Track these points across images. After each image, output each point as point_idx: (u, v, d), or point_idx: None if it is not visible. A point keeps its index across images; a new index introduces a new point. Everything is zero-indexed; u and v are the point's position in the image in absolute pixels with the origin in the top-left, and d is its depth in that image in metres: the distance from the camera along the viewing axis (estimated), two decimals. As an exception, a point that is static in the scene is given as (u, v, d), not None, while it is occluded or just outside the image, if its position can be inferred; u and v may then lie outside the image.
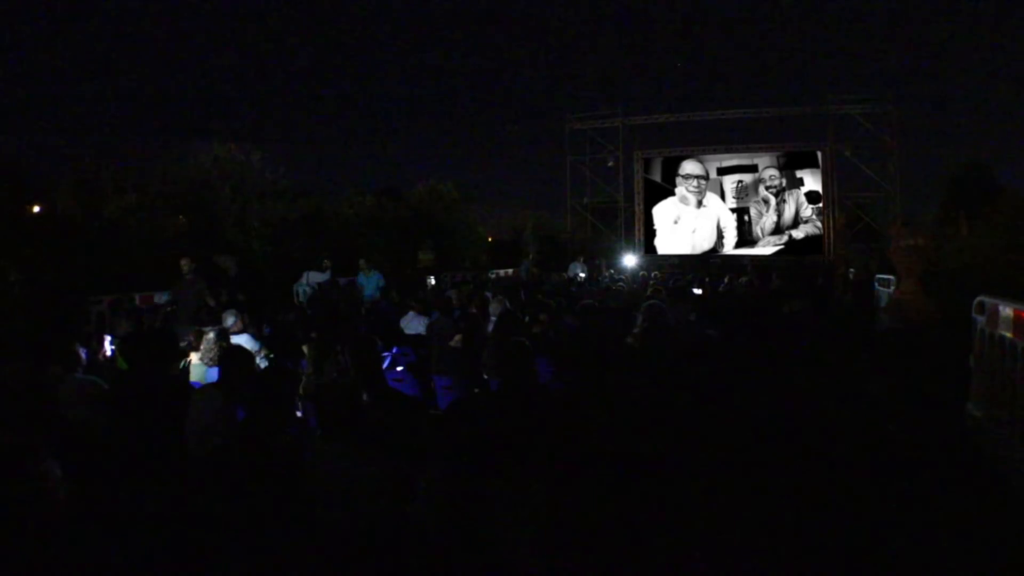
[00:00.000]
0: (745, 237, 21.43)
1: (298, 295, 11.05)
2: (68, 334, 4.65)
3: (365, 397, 3.02)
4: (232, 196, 18.77)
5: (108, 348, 5.20)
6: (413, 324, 6.99)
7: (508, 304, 6.35)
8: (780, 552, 2.84)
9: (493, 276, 19.02)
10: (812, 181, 20.78)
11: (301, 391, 3.91)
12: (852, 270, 14.15)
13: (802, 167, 20.91)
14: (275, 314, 7.33)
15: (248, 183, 19.32)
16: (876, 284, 11.69)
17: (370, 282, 10.74)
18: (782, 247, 21.06)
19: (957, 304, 6.22)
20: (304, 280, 11.43)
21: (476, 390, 4.78)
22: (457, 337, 5.50)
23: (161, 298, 10.48)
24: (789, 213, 21.05)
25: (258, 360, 4.97)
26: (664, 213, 22.27)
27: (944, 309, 8.76)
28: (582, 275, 15.36)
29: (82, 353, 3.61)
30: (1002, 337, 3.89)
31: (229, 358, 3.45)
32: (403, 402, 3.05)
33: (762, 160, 21.26)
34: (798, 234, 20.99)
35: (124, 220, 15.91)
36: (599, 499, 2.45)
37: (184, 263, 7.30)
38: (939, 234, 15.92)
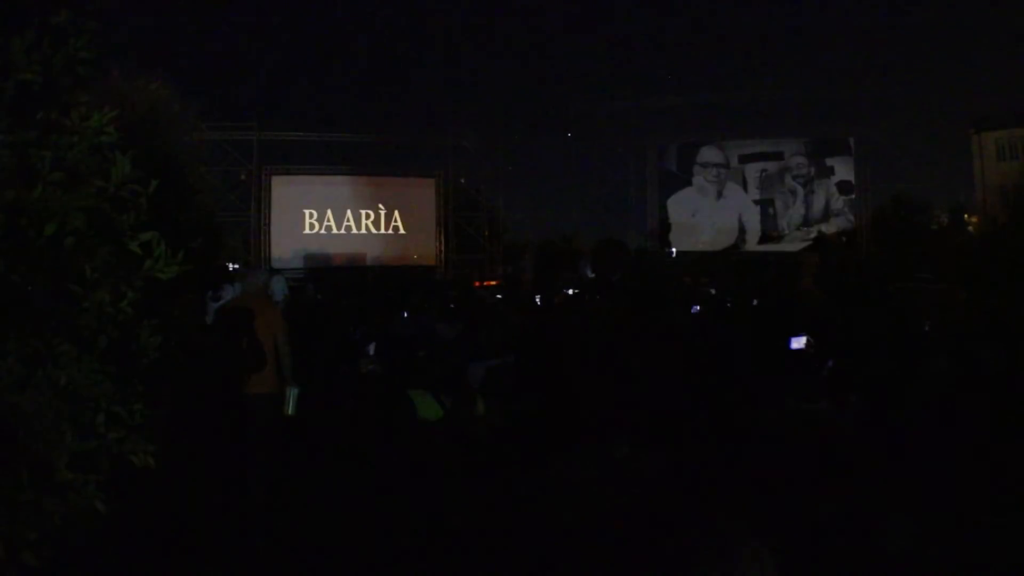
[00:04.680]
0: (769, 232, 21.40)
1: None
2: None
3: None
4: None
5: None
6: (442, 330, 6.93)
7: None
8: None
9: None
10: (844, 170, 20.77)
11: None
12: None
13: (832, 154, 20.90)
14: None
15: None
16: (916, 283, 11.66)
17: None
18: (810, 243, 21.04)
19: (1013, 306, 6.17)
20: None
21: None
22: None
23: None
24: (818, 205, 21.02)
25: None
26: (680, 205, 22.23)
27: (995, 313, 8.70)
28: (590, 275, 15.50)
29: None
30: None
31: None
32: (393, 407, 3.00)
33: (788, 147, 21.25)
34: (828, 228, 20.96)
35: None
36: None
37: None
38: (988, 228, 15.90)
